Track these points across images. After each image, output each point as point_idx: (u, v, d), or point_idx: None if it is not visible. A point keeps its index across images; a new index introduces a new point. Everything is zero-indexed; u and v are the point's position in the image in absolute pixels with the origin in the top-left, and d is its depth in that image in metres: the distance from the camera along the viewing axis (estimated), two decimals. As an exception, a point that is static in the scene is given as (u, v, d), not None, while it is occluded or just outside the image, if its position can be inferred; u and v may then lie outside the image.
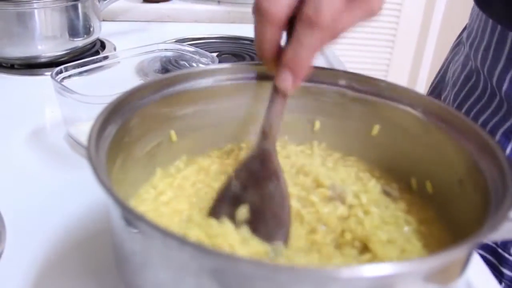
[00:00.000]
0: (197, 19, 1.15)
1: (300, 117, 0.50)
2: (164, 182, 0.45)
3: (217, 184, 0.45)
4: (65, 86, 0.58)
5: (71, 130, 0.62)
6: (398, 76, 2.21)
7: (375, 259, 0.38)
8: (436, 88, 0.83)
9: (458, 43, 0.78)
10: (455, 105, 0.69)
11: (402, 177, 0.47)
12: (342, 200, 0.44)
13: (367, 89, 0.47)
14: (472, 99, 0.67)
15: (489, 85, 0.63)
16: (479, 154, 0.38)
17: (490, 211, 0.34)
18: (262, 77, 0.48)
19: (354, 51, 2.14)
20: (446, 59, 0.81)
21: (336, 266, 0.36)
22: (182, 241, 0.27)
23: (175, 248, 0.28)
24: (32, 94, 0.77)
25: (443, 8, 2.07)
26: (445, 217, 0.42)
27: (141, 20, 1.13)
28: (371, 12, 0.39)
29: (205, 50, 0.82)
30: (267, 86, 0.46)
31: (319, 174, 0.46)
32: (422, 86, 2.20)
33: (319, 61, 0.93)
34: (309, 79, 0.47)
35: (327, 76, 0.48)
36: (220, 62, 0.86)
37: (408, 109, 0.45)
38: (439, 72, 0.82)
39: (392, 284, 0.28)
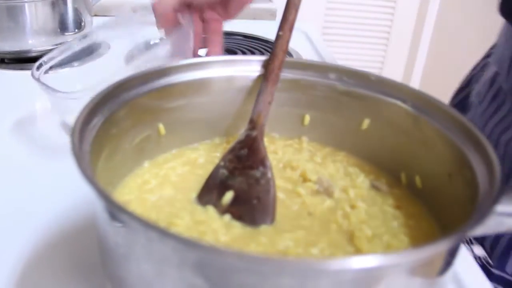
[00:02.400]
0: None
1: (290, 112, 0.49)
2: (150, 172, 0.45)
3: (202, 172, 0.45)
4: (46, 85, 0.57)
5: (61, 121, 0.62)
6: (393, 73, 2.21)
7: (358, 253, 0.38)
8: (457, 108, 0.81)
9: (483, 65, 0.75)
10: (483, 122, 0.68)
11: (391, 171, 0.47)
12: (329, 194, 0.44)
13: (357, 83, 0.47)
14: (498, 116, 0.65)
15: None
16: (469, 148, 0.38)
17: (478, 205, 0.33)
18: (252, 71, 0.47)
19: (348, 48, 2.15)
20: (468, 81, 0.79)
21: (319, 258, 0.35)
22: (163, 232, 0.27)
23: (156, 240, 0.28)
24: (22, 88, 0.76)
25: (437, 5, 2.07)
26: (434, 211, 0.42)
27: None
28: None
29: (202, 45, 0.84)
30: (257, 80, 0.47)
31: (307, 169, 0.46)
32: (416, 83, 2.21)
33: (311, 57, 0.94)
34: (299, 73, 0.47)
35: (317, 69, 0.48)
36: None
37: (399, 103, 0.45)
38: (460, 90, 0.81)
39: (377, 277, 0.28)
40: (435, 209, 0.42)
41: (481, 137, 0.38)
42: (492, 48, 0.75)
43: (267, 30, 1.00)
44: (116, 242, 0.32)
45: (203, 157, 0.48)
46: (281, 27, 0.47)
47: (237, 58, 0.47)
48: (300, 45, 0.98)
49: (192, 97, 0.46)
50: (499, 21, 0.69)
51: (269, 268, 0.27)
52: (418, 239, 0.40)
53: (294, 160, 0.47)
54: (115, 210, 0.29)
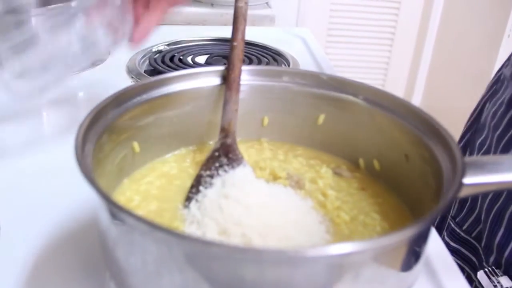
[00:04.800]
0: (190, 22, 1.16)
1: (250, 116, 0.53)
2: (131, 189, 0.47)
3: (179, 182, 0.48)
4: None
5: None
6: (397, 75, 2.20)
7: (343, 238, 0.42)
8: (470, 130, 0.77)
9: (496, 81, 0.72)
10: (499, 149, 0.64)
11: (350, 158, 0.52)
12: (301, 187, 0.48)
13: (310, 83, 0.51)
14: None
15: None
16: (423, 131, 0.44)
17: (441, 181, 0.38)
18: (212, 82, 0.50)
19: (352, 50, 2.12)
20: (482, 98, 0.75)
21: (301, 247, 0.39)
22: (157, 227, 0.30)
23: (150, 235, 0.32)
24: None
25: (441, 6, 2.04)
26: (395, 189, 0.48)
27: None
28: None
29: (197, 53, 0.95)
30: (219, 90, 0.50)
31: (274, 167, 0.50)
32: (421, 85, 2.20)
33: (308, 62, 0.96)
34: (257, 79, 0.51)
35: (272, 74, 0.51)
36: (211, 64, 0.91)
37: (351, 97, 0.50)
38: (472, 113, 0.76)
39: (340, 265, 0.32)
40: (396, 186, 0.47)
41: (433, 120, 0.43)
42: (507, 61, 0.70)
43: (266, 36, 1.04)
44: (116, 239, 0.35)
45: (175, 169, 0.50)
46: (234, 38, 0.51)
47: (197, 71, 0.50)
48: (297, 51, 1.00)
49: (160, 112, 0.48)
50: (504, 21, 0.66)
51: (248, 257, 0.30)
52: (388, 215, 0.45)
53: (261, 161, 0.51)
54: (115, 210, 0.32)
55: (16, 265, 0.46)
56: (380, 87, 0.48)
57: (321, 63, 0.97)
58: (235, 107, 0.49)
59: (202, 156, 0.51)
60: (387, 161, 0.48)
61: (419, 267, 0.37)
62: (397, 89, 2.22)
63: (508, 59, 0.70)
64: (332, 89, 0.50)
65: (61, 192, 0.55)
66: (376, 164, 0.49)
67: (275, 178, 0.49)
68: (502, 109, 0.66)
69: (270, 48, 0.99)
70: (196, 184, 0.45)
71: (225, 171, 0.46)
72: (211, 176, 0.45)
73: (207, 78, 0.50)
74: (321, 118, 0.52)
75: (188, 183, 0.47)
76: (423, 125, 0.44)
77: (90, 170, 0.36)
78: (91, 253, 0.47)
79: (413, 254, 0.35)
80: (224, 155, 0.47)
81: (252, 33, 1.03)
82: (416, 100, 2.22)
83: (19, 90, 0.52)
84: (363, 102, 0.49)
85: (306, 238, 0.40)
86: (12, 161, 0.62)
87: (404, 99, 0.47)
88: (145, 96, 0.46)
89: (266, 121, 0.53)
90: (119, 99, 0.44)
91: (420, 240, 0.36)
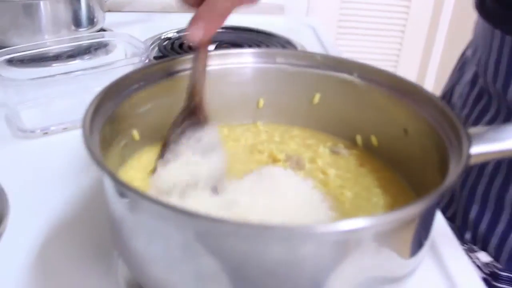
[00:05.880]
0: None
1: (245, 99, 0.53)
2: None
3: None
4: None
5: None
6: (408, 66, 2.16)
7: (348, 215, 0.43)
8: None
9: (462, 64, 0.75)
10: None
11: (346, 136, 0.52)
12: (301, 167, 0.49)
13: (305, 63, 0.51)
14: (484, 120, 0.64)
15: (504, 103, 0.61)
16: (420, 104, 0.44)
17: (446, 153, 0.39)
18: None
19: (363, 41, 2.08)
20: (450, 80, 0.78)
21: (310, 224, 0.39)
22: (162, 204, 0.30)
23: (156, 212, 0.32)
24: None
25: None
26: (394, 164, 0.48)
27: (146, 10, 1.14)
28: None
29: None
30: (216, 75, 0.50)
31: (272, 150, 0.50)
32: (432, 77, 2.16)
33: (316, 50, 0.94)
34: (251, 61, 0.51)
35: (267, 56, 0.52)
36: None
37: (345, 75, 0.50)
38: (443, 95, 0.78)
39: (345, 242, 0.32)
40: (396, 162, 0.48)
41: (428, 93, 0.44)
42: (469, 45, 0.74)
43: (275, 24, 1.03)
44: (123, 217, 0.35)
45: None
46: None
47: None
48: (307, 40, 0.98)
49: (158, 98, 0.48)
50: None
51: (252, 232, 0.31)
52: (390, 189, 0.46)
53: (258, 144, 0.51)
54: (122, 188, 0.33)
55: (26, 244, 0.48)
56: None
57: (331, 53, 0.95)
58: (203, 66, 0.46)
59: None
60: (385, 137, 0.49)
61: (427, 245, 0.38)
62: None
63: (471, 41, 0.72)
64: (326, 68, 0.51)
65: (71, 172, 0.57)
66: (374, 140, 0.50)
67: (274, 160, 0.49)
68: (467, 89, 0.69)
69: (279, 37, 0.98)
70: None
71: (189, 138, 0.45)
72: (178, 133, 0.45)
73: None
74: (317, 98, 0.52)
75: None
76: (420, 99, 0.45)
77: (105, 164, 0.35)
78: (100, 232, 0.48)
79: (423, 229, 0.36)
80: (191, 114, 0.46)
81: (261, 22, 1.03)
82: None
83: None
84: (357, 80, 0.49)
85: (310, 217, 0.41)
86: (28, 141, 0.64)
87: (398, 75, 0.47)
88: (142, 83, 0.46)
89: (261, 103, 0.53)
90: (119, 87, 0.44)
91: (431, 213, 0.37)
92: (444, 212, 0.69)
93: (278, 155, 0.50)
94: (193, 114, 0.46)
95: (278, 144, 0.52)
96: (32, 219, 0.51)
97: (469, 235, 0.65)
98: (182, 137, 0.45)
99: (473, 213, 0.64)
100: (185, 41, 0.84)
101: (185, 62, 0.49)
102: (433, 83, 2.16)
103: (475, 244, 0.64)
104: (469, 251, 0.63)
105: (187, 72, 0.48)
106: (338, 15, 2.02)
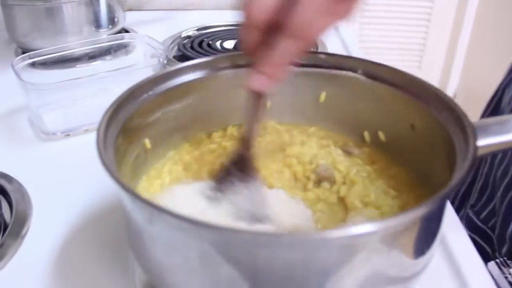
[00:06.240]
0: (220, 6, 1.14)
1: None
2: (153, 184, 0.48)
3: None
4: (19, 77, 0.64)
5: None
6: (434, 58, 2.13)
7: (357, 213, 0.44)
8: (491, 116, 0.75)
9: None
10: None
11: (354, 133, 0.53)
12: (332, 181, 0.48)
13: (309, 63, 0.52)
14: None
15: None
16: (425, 99, 0.45)
17: (452, 147, 0.39)
18: (214, 70, 0.51)
19: (387, 30, 2.06)
20: (500, 84, 0.73)
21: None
22: (180, 217, 0.31)
23: (175, 225, 0.32)
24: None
25: None
26: (405, 160, 0.49)
27: (166, 8, 1.15)
28: (349, 14, 0.39)
29: (226, 37, 0.94)
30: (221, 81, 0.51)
31: (300, 154, 0.50)
32: (458, 68, 2.15)
33: (336, 45, 0.93)
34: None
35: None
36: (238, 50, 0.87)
37: (350, 73, 0.50)
38: (491, 100, 0.74)
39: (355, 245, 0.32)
40: (404, 157, 0.48)
41: (434, 87, 0.45)
42: None
43: None
44: (142, 227, 0.36)
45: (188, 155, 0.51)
46: None
47: (197, 62, 0.50)
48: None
49: (166, 105, 0.49)
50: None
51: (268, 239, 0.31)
52: (401, 187, 0.46)
53: (286, 144, 0.52)
54: (142, 204, 0.33)
55: (48, 243, 0.49)
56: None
57: (349, 46, 0.93)
58: (258, 114, 0.44)
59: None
60: (392, 132, 0.50)
61: (437, 241, 0.39)
62: (433, 72, 2.16)
63: None
64: (331, 66, 0.51)
65: (92, 173, 0.56)
66: (381, 135, 0.51)
67: (304, 168, 0.49)
68: None
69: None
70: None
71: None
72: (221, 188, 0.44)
73: (205, 69, 0.51)
74: (323, 96, 0.53)
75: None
76: (425, 94, 0.45)
77: (122, 179, 0.36)
78: (119, 232, 0.49)
79: (436, 222, 0.37)
80: (238, 166, 0.45)
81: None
82: (453, 84, 2.15)
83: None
84: (362, 77, 0.50)
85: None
86: (50, 143, 0.66)
87: (402, 70, 0.47)
88: (151, 93, 0.47)
89: (268, 103, 0.54)
90: (128, 98, 0.45)
91: (442, 207, 0.37)
92: (486, 222, 0.68)
93: (307, 166, 0.49)
94: (241, 164, 0.44)
95: (301, 146, 0.52)
96: (55, 220, 0.52)
97: (506, 248, 0.63)
98: (227, 182, 0.44)
99: (511, 227, 0.63)
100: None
101: (186, 70, 0.50)
102: (459, 74, 2.13)
103: (510, 259, 0.62)
104: (502, 265, 0.61)
105: (191, 81, 0.49)
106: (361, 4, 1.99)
